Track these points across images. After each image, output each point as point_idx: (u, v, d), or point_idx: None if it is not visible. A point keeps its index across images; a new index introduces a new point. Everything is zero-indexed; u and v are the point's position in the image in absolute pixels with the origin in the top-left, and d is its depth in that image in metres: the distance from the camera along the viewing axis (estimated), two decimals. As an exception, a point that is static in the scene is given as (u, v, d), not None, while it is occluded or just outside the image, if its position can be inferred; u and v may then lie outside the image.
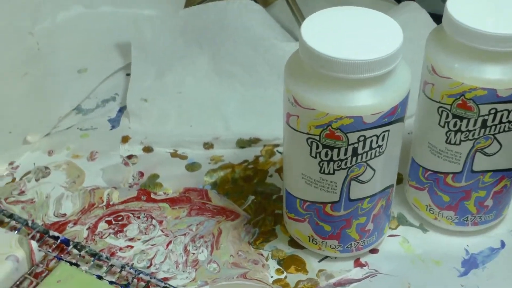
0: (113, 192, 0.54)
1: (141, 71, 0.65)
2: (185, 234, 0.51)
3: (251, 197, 0.54)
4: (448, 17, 0.43)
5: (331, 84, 0.41)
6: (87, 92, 0.65)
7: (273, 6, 0.78)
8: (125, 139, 0.60)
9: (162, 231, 0.51)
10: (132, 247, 0.50)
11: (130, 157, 0.58)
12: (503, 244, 0.50)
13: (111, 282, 0.46)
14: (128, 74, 0.66)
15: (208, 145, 0.59)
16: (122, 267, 0.47)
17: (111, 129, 0.61)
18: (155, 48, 0.66)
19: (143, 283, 0.47)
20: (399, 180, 0.55)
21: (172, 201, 0.54)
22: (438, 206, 0.50)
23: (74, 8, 0.71)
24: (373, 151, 0.43)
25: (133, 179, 0.56)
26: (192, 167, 0.57)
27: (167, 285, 0.46)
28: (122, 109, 0.63)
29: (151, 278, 0.46)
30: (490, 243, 0.50)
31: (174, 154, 0.58)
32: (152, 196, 0.54)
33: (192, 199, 0.54)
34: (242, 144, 0.59)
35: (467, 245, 0.50)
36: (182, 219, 0.52)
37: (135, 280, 0.47)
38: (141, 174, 0.56)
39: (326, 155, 0.43)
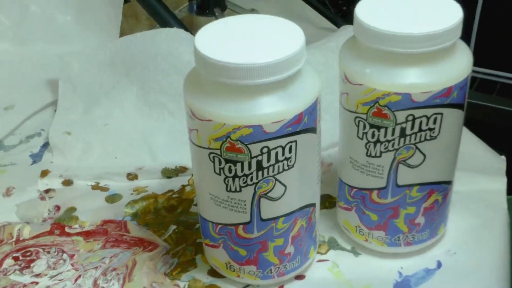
0: (24, 227, 0.51)
1: (67, 105, 0.63)
2: (96, 268, 0.47)
3: (172, 227, 0.51)
4: (357, 22, 0.41)
5: (227, 93, 0.38)
6: (9, 129, 0.62)
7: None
8: (44, 173, 0.56)
9: (72, 265, 0.47)
10: (37, 283, 0.46)
11: (47, 191, 0.54)
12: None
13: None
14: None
15: (132, 176, 0.56)
16: (21, 304, 0.43)
17: (31, 164, 0.58)
18: (83, 82, 0.64)
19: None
20: (333, 204, 0.52)
21: (87, 234, 0.50)
22: (367, 226, 0.47)
23: (1, 45, 0.69)
24: (281, 164, 0.40)
25: (49, 213, 0.52)
26: (113, 198, 0.54)
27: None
28: (46, 144, 0.60)
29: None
30: (425, 264, 0.47)
31: (95, 187, 0.55)
32: (66, 229, 0.51)
33: (109, 231, 0.50)
34: (168, 173, 0.56)
35: (401, 267, 0.46)
36: (96, 252, 0.48)
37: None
38: (58, 208, 0.53)
39: (230, 170, 0.40)
